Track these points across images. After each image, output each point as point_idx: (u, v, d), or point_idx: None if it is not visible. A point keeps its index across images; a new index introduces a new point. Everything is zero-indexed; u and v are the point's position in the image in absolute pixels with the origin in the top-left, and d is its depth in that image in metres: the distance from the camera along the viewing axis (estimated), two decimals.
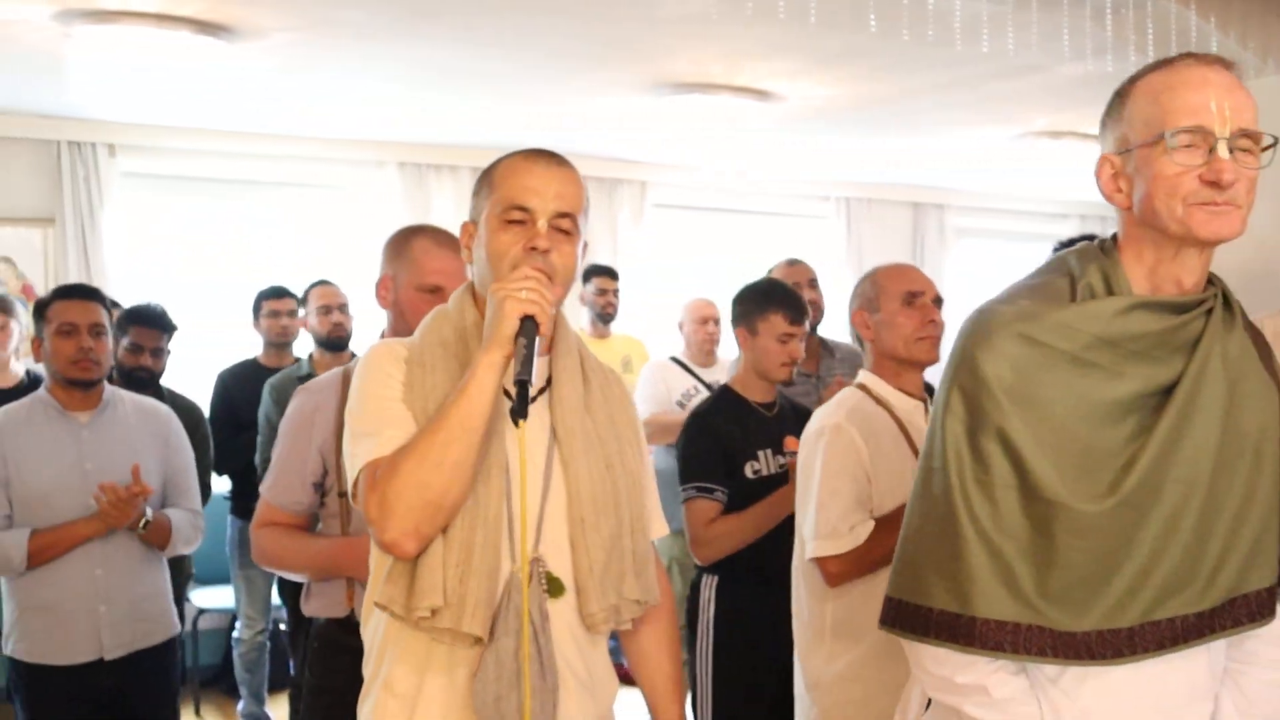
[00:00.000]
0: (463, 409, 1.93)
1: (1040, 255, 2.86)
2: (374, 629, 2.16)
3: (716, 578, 3.80)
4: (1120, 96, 1.89)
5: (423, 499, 1.92)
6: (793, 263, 5.24)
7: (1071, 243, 3.34)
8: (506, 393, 1.97)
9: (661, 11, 4.76)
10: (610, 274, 6.65)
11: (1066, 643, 1.81)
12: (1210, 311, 1.88)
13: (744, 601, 3.74)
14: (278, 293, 5.89)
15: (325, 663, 2.94)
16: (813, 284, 5.15)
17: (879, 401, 3.17)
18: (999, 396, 1.81)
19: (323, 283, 5.69)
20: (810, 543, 3.07)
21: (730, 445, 3.75)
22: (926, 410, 3.20)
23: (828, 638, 3.10)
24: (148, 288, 6.61)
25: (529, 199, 2.08)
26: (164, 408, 3.93)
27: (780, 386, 3.93)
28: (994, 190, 9.35)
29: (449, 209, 7.50)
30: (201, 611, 6.29)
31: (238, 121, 6.70)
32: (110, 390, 3.77)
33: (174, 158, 7.17)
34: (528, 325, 1.95)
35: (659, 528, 2.31)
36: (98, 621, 3.61)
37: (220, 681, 6.54)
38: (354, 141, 7.37)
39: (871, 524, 3.03)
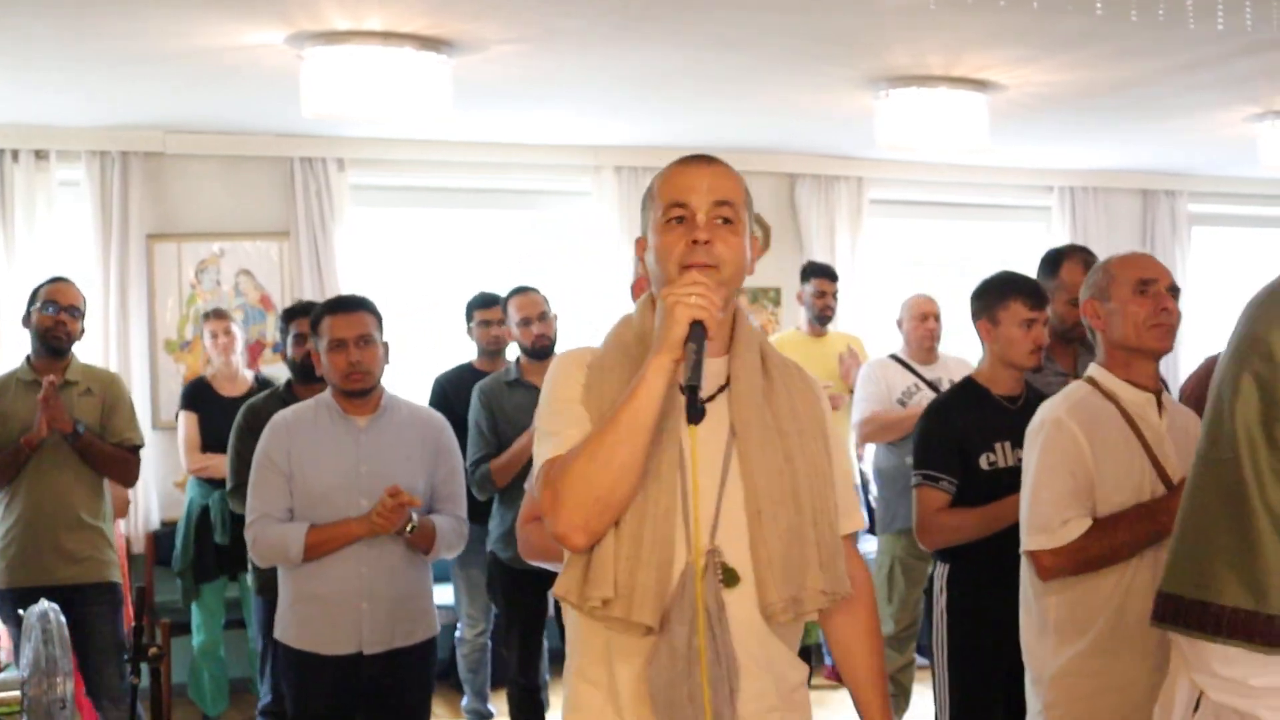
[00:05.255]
0: (631, 411, 2.02)
1: None
2: (568, 620, 2.26)
3: (949, 566, 3.81)
4: None
5: (591, 495, 2.02)
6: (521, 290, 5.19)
7: None
8: (685, 390, 2.02)
9: (881, 4, 4.69)
10: (829, 275, 6.57)
11: None
12: None
13: (976, 590, 3.73)
14: (486, 301, 5.96)
15: None
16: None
17: (1107, 395, 3.10)
18: None
19: (520, 291, 5.41)
20: (1024, 536, 3.06)
21: (963, 436, 3.73)
22: (1160, 404, 3.12)
23: (1051, 631, 3.07)
24: (378, 296, 6.80)
25: (685, 195, 2.18)
26: (438, 416, 4.11)
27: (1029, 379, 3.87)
28: (1232, 174, 8.90)
29: None
30: None
31: (461, 132, 6.87)
32: (389, 396, 3.97)
33: (400, 170, 7.42)
34: (696, 330, 2.02)
35: (852, 521, 2.34)
36: (359, 617, 3.81)
37: (443, 678, 6.67)
38: (573, 147, 7.48)
39: (1088, 521, 2.98)
